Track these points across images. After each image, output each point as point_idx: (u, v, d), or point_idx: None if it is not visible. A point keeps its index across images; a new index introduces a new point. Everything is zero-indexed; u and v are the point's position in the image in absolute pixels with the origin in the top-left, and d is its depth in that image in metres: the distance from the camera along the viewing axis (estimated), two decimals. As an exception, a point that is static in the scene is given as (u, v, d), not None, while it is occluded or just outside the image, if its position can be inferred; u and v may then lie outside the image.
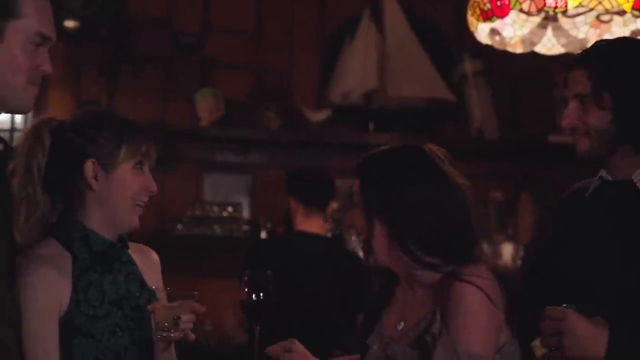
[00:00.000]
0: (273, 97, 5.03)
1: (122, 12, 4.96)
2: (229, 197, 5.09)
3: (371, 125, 5.13)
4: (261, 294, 2.43)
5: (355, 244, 5.02)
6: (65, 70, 4.96)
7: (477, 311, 2.00)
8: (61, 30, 4.84)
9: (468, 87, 5.15)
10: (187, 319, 2.13)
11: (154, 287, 2.18)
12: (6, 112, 1.91)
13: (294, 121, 5.04)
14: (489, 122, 5.12)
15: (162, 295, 2.13)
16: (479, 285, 2.00)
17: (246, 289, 2.44)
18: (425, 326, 2.08)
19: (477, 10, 3.21)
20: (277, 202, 4.57)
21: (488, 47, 3.72)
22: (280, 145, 5.03)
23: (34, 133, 2.15)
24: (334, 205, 5.08)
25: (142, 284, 2.23)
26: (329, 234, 5.01)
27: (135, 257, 2.26)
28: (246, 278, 2.46)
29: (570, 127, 2.23)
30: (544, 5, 3.03)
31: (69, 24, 4.83)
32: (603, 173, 2.29)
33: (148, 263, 2.29)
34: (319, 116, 5.04)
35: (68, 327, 2.07)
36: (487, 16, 3.18)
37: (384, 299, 2.23)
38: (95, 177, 2.13)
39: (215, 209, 5.01)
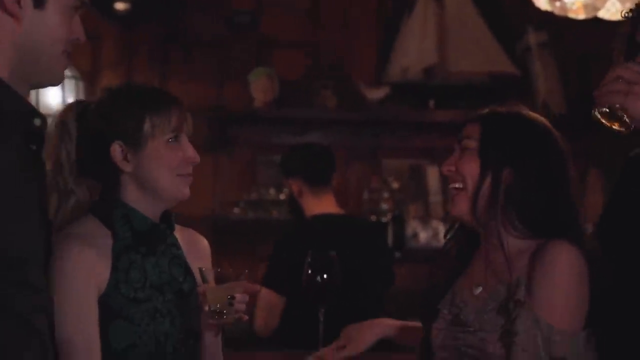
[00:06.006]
0: (330, 76, 4.89)
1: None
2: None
3: (431, 103, 4.95)
4: (325, 275, 2.36)
5: (415, 224, 4.86)
6: (117, 54, 4.88)
7: (567, 280, 1.93)
8: (112, 13, 4.75)
9: (532, 60, 4.94)
10: (240, 299, 2.04)
11: (202, 267, 2.04)
12: (36, 87, 1.76)
13: (352, 100, 4.89)
14: (554, 95, 4.92)
15: (210, 277, 2.01)
16: (574, 247, 1.94)
17: (310, 271, 2.37)
18: (506, 293, 1.97)
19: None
20: (337, 183, 4.42)
21: (553, 19, 3.53)
22: (339, 124, 4.89)
23: (60, 120, 2.04)
24: (395, 185, 4.94)
25: (187, 269, 2.09)
26: (389, 215, 4.87)
27: (183, 241, 2.12)
28: (309, 259, 2.38)
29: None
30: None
31: (120, 6, 4.74)
32: None
33: (196, 249, 2.15)
34: (377, 94, 4.88)
35: (106, 309, 1.94)
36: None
37: (460, 265, 2.13)
38: (126, 159, 2.00)
39: (272, 192, 4.88)
